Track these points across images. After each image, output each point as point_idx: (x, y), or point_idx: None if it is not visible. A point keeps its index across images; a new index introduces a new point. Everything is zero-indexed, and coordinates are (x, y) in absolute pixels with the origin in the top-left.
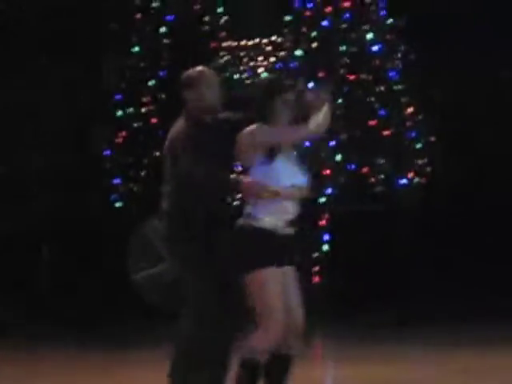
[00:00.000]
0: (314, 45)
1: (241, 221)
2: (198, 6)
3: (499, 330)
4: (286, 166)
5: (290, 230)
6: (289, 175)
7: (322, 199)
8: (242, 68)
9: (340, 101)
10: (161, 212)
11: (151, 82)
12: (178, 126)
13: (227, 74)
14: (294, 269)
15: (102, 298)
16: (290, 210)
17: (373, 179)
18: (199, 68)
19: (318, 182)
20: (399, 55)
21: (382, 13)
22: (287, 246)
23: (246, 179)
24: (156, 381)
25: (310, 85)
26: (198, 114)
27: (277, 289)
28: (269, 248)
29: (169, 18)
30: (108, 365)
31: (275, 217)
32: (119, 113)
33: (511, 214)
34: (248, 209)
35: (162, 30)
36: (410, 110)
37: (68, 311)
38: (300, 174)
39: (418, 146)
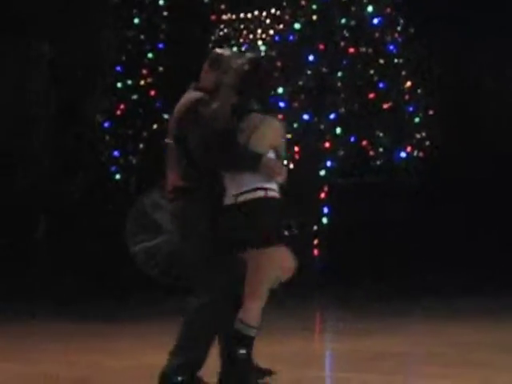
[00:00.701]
0: (314, 17)
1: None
2: None
3: (500, 302)
4: None
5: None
6: None
7: (322, 172)
8: (241, 41)
9: (340, 74)
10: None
11: (150, 55)
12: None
13: (226, 47)
14: None
15: (101, 272)
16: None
17: (372, 152)
18: (220, 51)
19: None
20: (399, 28)
21: None
22: None
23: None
24: (152, 353)
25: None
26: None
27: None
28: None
29: None
30: (105, 337)
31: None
32: (119, 84)
33: (507, 186)
34: (257, 183)
35: (161, 2)
36: (409, 83)
37: (66, 284)
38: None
39: (417, 119)
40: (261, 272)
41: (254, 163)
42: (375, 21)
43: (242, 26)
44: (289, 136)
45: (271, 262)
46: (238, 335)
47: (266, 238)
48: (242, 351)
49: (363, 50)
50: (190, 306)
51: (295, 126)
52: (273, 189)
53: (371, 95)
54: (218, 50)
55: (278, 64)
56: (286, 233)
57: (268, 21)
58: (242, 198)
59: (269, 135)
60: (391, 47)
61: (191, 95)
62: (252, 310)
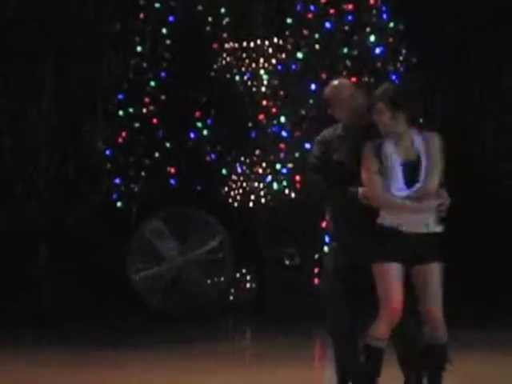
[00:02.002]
0: (316, 47)
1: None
2: (199, 7)
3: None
4: None
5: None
6: None
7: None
8: (243, 69)
9: None
10: None
11: (152, 83)
12: None
13: (228, 76)
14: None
15: (101, 298)
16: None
17: None
18: (331, 84)
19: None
20: (401, 58)
21: (384, 16)
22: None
23: None
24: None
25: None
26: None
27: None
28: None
29: (171, 18)
30: (98, 367)
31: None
32: (120, 112)
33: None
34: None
35: (164, 30)
36: None
37: (62, 311)
38: None
39: None
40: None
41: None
42: (377, 50)
43: (244, 55)
44: (290, 165)
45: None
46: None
47: None
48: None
49: (365, 79)
50: None
51: (297, 155)
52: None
53: None
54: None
55: (281, 93)
56: (288, 262)
57: (270, 50)
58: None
59: None
60: (393, 77)
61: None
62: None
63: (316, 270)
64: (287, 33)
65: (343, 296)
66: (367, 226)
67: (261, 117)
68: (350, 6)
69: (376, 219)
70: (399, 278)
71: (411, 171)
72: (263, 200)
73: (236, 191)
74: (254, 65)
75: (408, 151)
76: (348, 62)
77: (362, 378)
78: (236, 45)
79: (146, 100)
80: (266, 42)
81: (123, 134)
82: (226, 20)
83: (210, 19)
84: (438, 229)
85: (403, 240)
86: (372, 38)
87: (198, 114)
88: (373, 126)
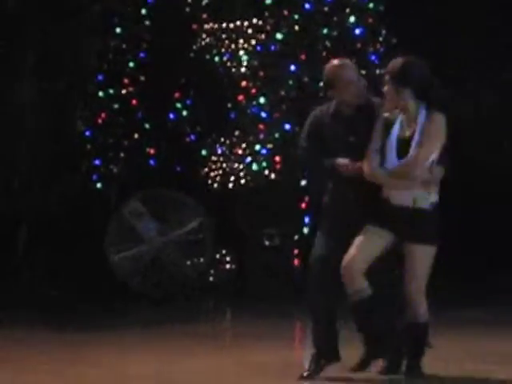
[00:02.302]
0: (296, 28)
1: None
2: None
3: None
4: None
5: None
6: None
7: (303, 182)
8: (222, 50)
9: (321, 84)
10: None
11: (131, 64)
12: None
13: (208, 57)
14: None
15: (81, 280)
16: None
17: None
18: (335, 64)
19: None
20: (380, 39)
21: None
22: None
23: None
24: (138, 364)
25: None
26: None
27: None
28: None
29: None
30: (89, 348)
31: None
32: (100, 93)
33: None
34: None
35: (143, 11)
36: None
37: (45, 293)
38: None
39: None
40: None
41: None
42: (357, 31)
43: (223, 36)
44: (270, 146)
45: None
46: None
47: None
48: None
49: None
50: None
51: (276, 135)
52: None
53: None
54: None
55: (260, 74)
56: (267, 243)
57: (250, 31)
58: None
59: None
60: (373, 57)
61: None
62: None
63: (296, 251)
64: (266, 13)
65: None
66: (360, 197)
67: (240, 98)
68: None
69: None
70: (364, 240)
71: (405, 146)
72: (243, 181)
73: (216, 172)
74: (233, 46)
75: (409, 125)
76: (328, 43)
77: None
78: (215, 25)
79: (126, 81)
80: (246, 23)
81: (103, 115)
82: (206, 1)
83: (189, 0)
84: (427, 205)
85: (392, 212)
86: (352, 19)
87: (177, 94)
88: (366, 105)
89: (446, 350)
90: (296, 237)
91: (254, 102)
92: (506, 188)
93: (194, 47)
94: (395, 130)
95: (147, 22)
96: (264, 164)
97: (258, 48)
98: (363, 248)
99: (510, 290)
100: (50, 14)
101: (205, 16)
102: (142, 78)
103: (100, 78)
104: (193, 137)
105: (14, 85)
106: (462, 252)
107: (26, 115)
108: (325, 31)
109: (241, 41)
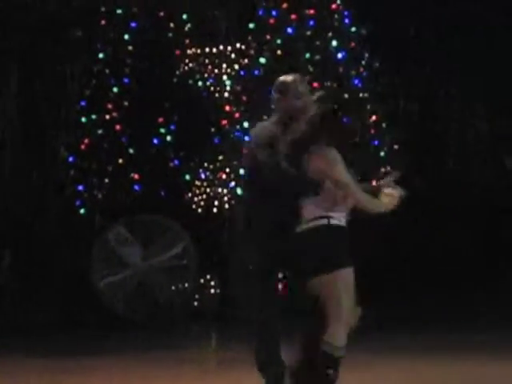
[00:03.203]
0: (279, 52)
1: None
2: (161, 13)
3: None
4: None
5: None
6: None
7: None
8: (206, 75)
9: None
10: None
11: (115, 89)
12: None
13: (191, 82)
14: None
15: (65, 306)
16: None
17: None
18: (291, 77)
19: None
20: (363, 63)
21: (346, 20)
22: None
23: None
24: None
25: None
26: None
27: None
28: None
29: (133, 24)
30: (76, 374)
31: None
32: (83, 119)
33: (474, 218)
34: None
35: (126, 37)
36: (374, 117)
37: (28, 320)
38: None
39: (382, 153)
40: (336, 294)
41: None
42: (339, 55)
43: (206, 61)
44: None
45: (343, 283)
46: (329, 357)
47: (334, 261)
48: (332, 371)
49: (328, 84)
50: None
51: None
52: (335, 217)
53: None
54: (282, 78)
55: (244, 98)
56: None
57: (233, 55)
58: (306, 226)
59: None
60: (356, 81)
61: (265, 124)
62: (339, 332)
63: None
64: (250, 38)
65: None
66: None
67: (224, 122)
68: (312, 11)
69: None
70: None
71: None
72: (227, 205)
73: (200, 197)
74: (216, 70)
75: None
76: (310, 67)
77: None
78: (198, 50)
79: (109, 106)
80: (229, 48)
81: (86, 140)
82: (188, 26)
83: (171, 25)
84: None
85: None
86: (334, 43)
87: (160, 119)
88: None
89: None
90: None
91: (238, 127)
92: None
93: (177, 72)
94: None
95: (130, 47)
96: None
97: (242, 72)
98: None
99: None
100: (31, 38)
101: (187, 41)
102: (126, 103)
103: (83, 103)
104: (177, 161)
105: None
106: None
107: (9, 141)
108: (307, 55)
109: (224, 65)
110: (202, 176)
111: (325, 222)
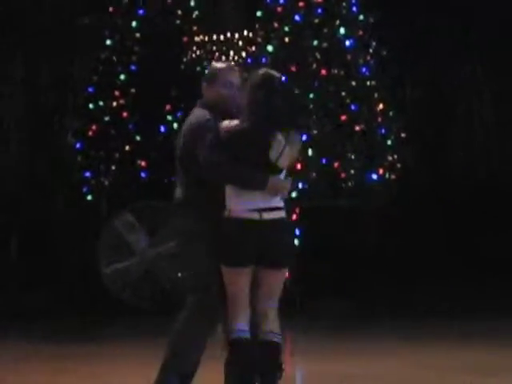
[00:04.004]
0: (286, 40)
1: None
2: (169, 0)
3: (465, 325)
4: None
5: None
6: None
7: (293, 194)
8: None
9: (312, 95)
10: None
11: (122, 76)
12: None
13: (199, 69)
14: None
15: (71, 292)
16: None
17: (343, 174)
18: (220, 64)
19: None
20: (371, 51)
21: (354, 8)
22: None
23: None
24: (131, 376)
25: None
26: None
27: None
28: None
29: (140, 11)
30: (80, 359)
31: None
32: (91, 106)
33: (478, 208)
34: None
35: (134, 24)
36: (381, 106)
37: (34, 306)
38: None
39: (389, 142)
40: (280, 287)
41: (263, 184)
42: (347, 43)
43: (214, 48)
44: None
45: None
46: (278, 346)
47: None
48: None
49: (335, 71)
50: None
51: None
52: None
53: (343, 117)
54: (213, 65)
55: None
56: None
57: (240, 43)
58: (268, 216)
59: (294, 152)
60: (363, 69)
61: (200, 112)
62: (276, 320)
63: None
64: (257, 26)
65: None
66: None
67: None
68: None
69: None
70: None
71: None
72: None
73: None
74: (224, 58)
75: None
76: (318, 55)
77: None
78: (206, 38)
79: (116, 93)
80: (236, 35)
81: (93, 127)
82: (196, 13)
83: (179, 12)
84: None
85: None
86: (342, 31)
87: (168, 107)
88: None
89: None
90: None
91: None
92: None
93: (185, 59)
94: None
95: (138, 35)
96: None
97: (249, 60)
98: None
99: None
100: (38, 26)
101: (195, 28)
102: (133, 91)
103: (91, 90)
104: None
105: (3, 96)
106: None
107: (15, 127)
108: (315, 43)
109: (231, 53)
110: None
111: (283, 214)
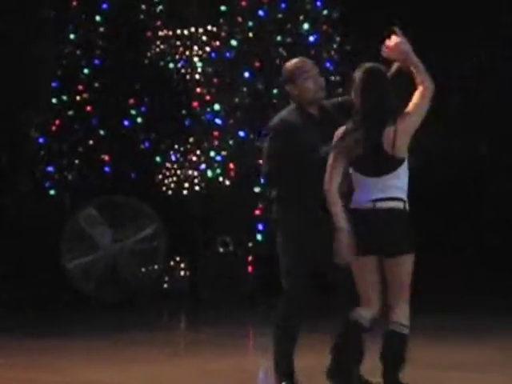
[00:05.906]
0: (250, 34)
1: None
2: None
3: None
4: None
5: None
6: None
7: (257, 189)
8: (177, 57)
9: (276, 91)
10: None
11: (86, 70)
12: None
13: (162, 63)
14: None
15: (35, 286)
16: None
17: None
18: (295, 61)
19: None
20: (335, 46)
21: (318, 3)
22: None
23: None
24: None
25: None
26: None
27: None
28: None
29: (104, 5)
30: (40, 353)
31: None
32: (54, 100)
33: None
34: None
35: (97, 18)
36: None
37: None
38: None
39: None
40: (405, 276)
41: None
42: (311, 38)
43: (178, 43)
44: (224, 153)
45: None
46: (403, 337)
47: (411, 244)
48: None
49: None
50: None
51: (231, 142)
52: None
53: None
54: (286, 65)
55: (215, 81)
56: (222, 249)
57: (204, 37)
58: (381, 206)
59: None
60: (327, 64)
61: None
62: (406, 311)
63: (249, 258)
64: (221, 20)
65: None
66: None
67: (195, 104)
68: None
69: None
70: None
71: None
72: (197, 188)
73: (170, 179)
74: (187, 52)
75: None
76: (282, 50)
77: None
78: (170, 32)
79: (80, 88)
80: (200, 30)
81: (57, 121)
82: (160, 8)
83: (143, 7)
84: None
85: None
86: (306, 26)
87: (131, 101)
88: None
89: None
90: (250, 244)
91: (209, 109)
92: None
93: (149, 54)
94: None
95: (101, 29)
96: (218, 171)
97: (213, 55)
98: None
99: None
100: (1, 18)
101: (159, 23)
102: (97, 85)
103: (54, 84)
104: (147, 143)
105: None
106: None
107: None
108: (279, 38)
109: (195, 47)
110: (173, 158)
111: (401, 205)
